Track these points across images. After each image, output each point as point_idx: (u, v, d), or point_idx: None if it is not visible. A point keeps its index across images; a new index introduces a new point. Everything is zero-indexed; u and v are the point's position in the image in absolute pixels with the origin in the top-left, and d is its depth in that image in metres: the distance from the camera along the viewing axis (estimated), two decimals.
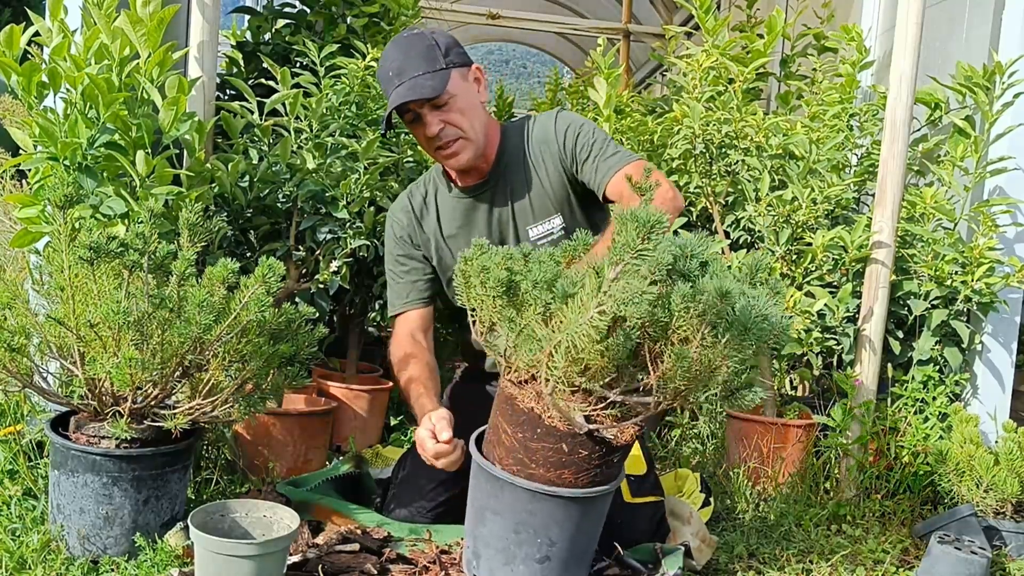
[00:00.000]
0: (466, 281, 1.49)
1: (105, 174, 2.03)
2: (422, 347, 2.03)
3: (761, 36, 3.03)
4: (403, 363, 1.99)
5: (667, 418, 2.94)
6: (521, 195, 2.01)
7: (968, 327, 2.48)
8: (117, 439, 1.63)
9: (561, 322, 1.35)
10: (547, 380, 1.39)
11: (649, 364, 1.38)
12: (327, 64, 2.61)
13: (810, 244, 2.49)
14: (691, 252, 1.40)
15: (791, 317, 2.34)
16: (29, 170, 2.04)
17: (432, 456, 1.72)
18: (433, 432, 1.72)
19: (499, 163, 2.02)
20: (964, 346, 2.48)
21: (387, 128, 1.97)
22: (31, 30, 2.02)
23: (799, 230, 2.54)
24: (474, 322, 1.51)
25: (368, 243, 2.46)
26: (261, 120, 2.46)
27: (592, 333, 1.30)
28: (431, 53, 1.89)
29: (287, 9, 3.03)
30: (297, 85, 2.50)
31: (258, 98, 2.46)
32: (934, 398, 2.34)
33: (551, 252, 1.50)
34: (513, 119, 2.26)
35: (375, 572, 1.64)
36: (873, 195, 2.56)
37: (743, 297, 1.33)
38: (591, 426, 1.42)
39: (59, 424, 1.74)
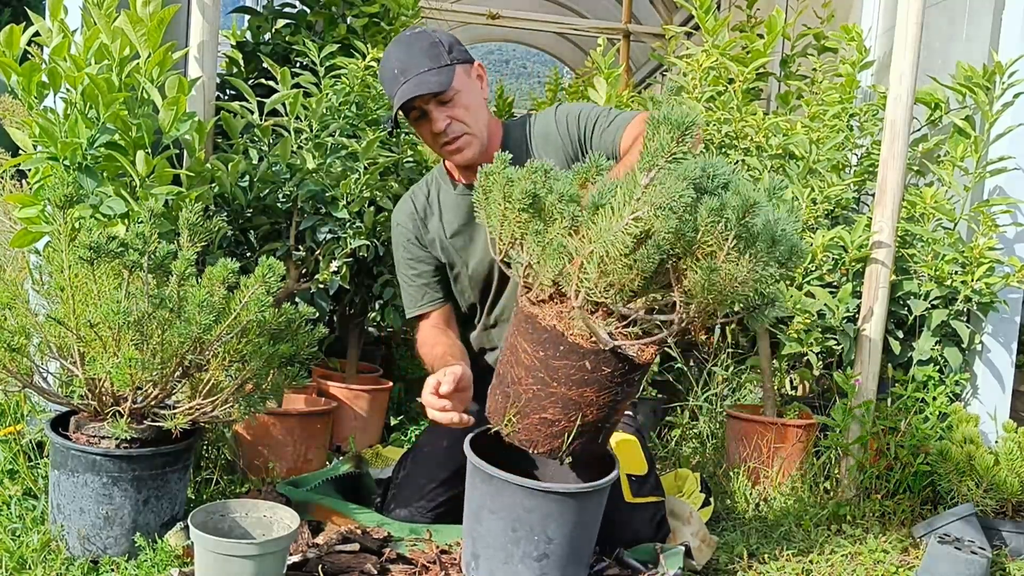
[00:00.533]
0: (487, 196, 1.47)
1: (105, 174, 2.03)
2: (446, 333, 2.04)
3: (761, 36, 3.03)
4: (430, 351, 1.98)
5: (667, 418, 2.94)
6: None
7: (968, 327, 2.48)
8: (117, 439, 1.63)
9: (591, 233, 1.34)
10: (576, 292, 1.38)
11: (673, 281, 1.37)
12: (327, 64, 2.61)
13: (810, 244, 2.49)
14: (714, 172, 1.38)
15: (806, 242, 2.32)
16: (29, 170, 2.04)
17: (424, 400, 1.69)
18: (438, 384, 1.67)
19: None
20: (964, 346, 2.48)
21: (394, 127, 1.97)
22: (31, 30, 2.02)
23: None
24: (493, 241, 1.50)
25: (368, 243, 2.46)
26: (261, 120, 2.46)
27: (627, 240, 1.28)
28: (435, 50, 1.89)
29: (287, 9, 3.03)
30: (297, 85, 2.50)
31: (258, 98, 2.46)
32: (934, 398, 2.33)
33: (567, 174, 1.50)
34: (514, 118, 2.27)
35: (375, 572, 1.64)
36: (873, 195, 2.56)
37: (765, 212, 1.33)
38: (615, 342, 1.41)
39: (59, 424, 1.75)
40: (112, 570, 1.64)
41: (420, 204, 2.09)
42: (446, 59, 1.89)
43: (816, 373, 2.55)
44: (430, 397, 1.67)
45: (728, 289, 1.34)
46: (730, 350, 3.02)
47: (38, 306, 1.77)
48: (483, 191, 1.49)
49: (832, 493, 2.34)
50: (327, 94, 2.52)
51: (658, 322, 1.42)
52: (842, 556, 1.99)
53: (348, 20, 2.98)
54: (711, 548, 1.95)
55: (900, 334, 2.52)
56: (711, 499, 2.24)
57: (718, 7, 5.56)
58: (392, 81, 1.89)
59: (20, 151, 2.10)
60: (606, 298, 1.38)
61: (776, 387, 2.72)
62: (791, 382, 3.10)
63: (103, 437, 1.66)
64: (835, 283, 2.52)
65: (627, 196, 1.30)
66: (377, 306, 2.82)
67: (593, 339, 1.41)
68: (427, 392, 1.67)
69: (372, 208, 2.49)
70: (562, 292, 1.43)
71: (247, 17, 3.08)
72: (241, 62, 2.89)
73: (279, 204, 2.41)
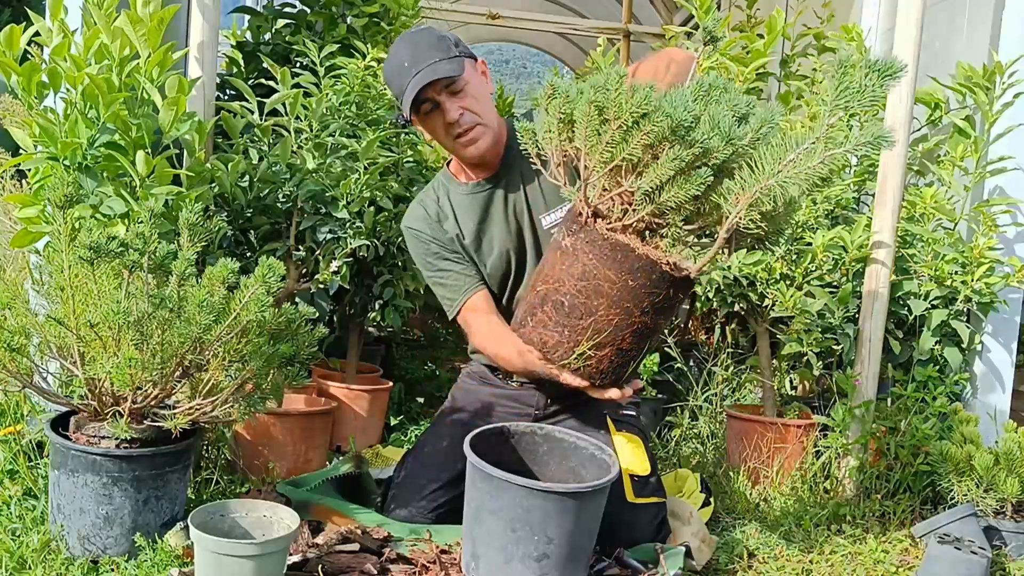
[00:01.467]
0: (587, 116, 1.42)
1: (105, 174, 2.03)
2: (501, 322, 2.00)
3: (761, 36, 3.03)
4: (501, 342, 1.94)
5: (667, 418, 2.94)
6: (532, 185, 2.02)
7: (968, 327, 2.48)
8: (117, 439, 1.63)
9: (762, 169, 1.37)
10: (729, 228, 1.41)
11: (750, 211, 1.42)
12: (327, 64, 2.61)
13: (810, 244, 2.48)
14: (769, 119, 1.45)
15: None
16: (29, 170, 2.04)
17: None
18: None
19: (507, 155, 2.04)
20: (964, 346, 2.48)
21: (406, 123, 1.96)
22: (31, 30, 2.02)
23: (799, 230, 2.54)
24: (555, 164, 1.50)
25: (368, 243, 2.46)
26: (261, 120, 2.46)
27: (814, 179, 1.33)
28: (443, 43, 1.91)
29: (287, 9, 3.03)
30: (297, 85, 2.50)
31: (258, 98, 2.46)
32: (934, 398, 2.33)
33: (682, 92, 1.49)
34: (515, 117, 2.27)
35: (375, 572, 1.64)
36: (873, 195, 2.55)
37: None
38: (696, 267, 1.46)
39: (59, 424, 1.74)
40: (112, 570, 1.64)
41: (432, 209, 2.08)
42: (454, 51, 1.91)
43: (816, 373, 2.55)
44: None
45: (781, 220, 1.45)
46: (730, 350, 3.02)
47: (38, 306, 1.77)
48: (576, 111, 1.45)
49: (832, 493, 2.34)
50: (327, 94, 2.52)
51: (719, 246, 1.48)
52: (842, 556, 1.99)
53: (348, 20, 2.98)
54: (711, 548, 1.95)
55: (900, 334, 2.52)
56: (711, 499, 2.24)
57: (718, 7, 5.57)
58: (402, 74, 1.88)
59: (20, 151, 2.10)
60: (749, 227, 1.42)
61: (776, 387, 2.72)
62: (791, 382, 3.10)
63: (103, 437, 1.66)
64: (835, 283, 2.52)
65: (806, 136, 1.34)
66: (377, 306, 2.82)
67: (676, 266, 1.44)
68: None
69: (372, 208, 2.49)
70: (644, 222, 1.46)
71: (247, 17, 3.09)
72: (241, 62, 2.89)
73: (279, 204, 2.41)
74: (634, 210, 1.47)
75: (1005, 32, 2.60)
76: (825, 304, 2.43)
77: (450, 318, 2.10)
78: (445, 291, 2.07)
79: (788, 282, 2.48)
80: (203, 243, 1.78)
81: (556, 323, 1.52)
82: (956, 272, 2.43)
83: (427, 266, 2.08)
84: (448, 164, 2.15)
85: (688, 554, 1.84)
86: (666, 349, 2.98)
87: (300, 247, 2.43)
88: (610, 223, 1.48)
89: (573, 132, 1.48)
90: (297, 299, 2.33)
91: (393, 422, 2.93)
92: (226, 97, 2.82)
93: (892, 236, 2.38)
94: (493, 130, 1.96)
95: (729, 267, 2.48)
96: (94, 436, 1.67)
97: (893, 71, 1.29)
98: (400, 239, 2.66)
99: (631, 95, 1.39)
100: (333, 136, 2.52)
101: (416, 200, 2.13)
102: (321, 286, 2.41)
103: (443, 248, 2.06)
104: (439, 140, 2.01)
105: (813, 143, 1.34)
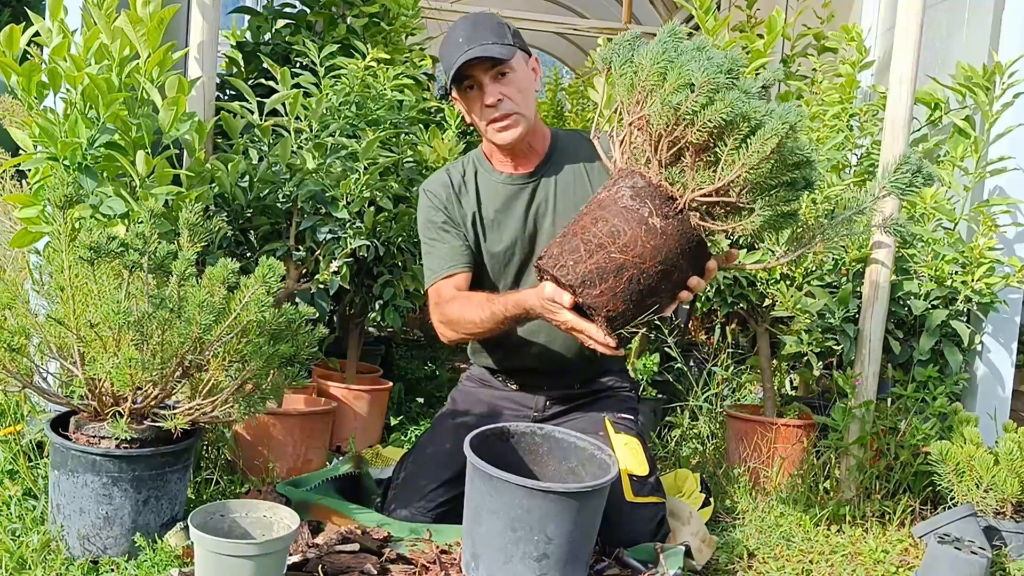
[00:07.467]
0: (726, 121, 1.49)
1: (105, 174, 2.03)
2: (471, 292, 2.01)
3: (761, 36, 3.02)
4: (464, 306, 1.93)
5: (667, 418, 2.94)
6: (567, 198, 2.04)
7: (968, 327, 2.48)
8: (117, 439, 1.63)
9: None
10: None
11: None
12: (327, 64, 2.61)
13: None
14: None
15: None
16: (29, 170, 2.04)
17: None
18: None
19: (549, 160, 2.07)
20: (964, 346, 2.47)
21: (446, 93, 1.98)
22: (31, 30, 2.02)
23: (799, 230, 2.54)
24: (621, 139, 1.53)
25: (368, 243, 2.46)
26: (261, 120, 2.46)
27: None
28: (500, 29, 1.96)
29: (287, 9, 3.03)
30: (297, 85, 2.51)
31: (258, 98, 2.46)
32: (934, 398, 2.33)
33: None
34: (562, 129, 2.29)
35: (375, 572, 1.64)
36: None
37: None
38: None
39: (59, 424, 1.75)
40: (112, 570, 1.64)
41: (456, 180, 2.10)
42: (509, 40, 1.95)
43: (816, 373, 2.55)
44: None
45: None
46: (730, 350, 3.02)
47: (38, 306, 1.77)
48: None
49: (832, 493, 2.34)
50: (327, 94, 2.52)
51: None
52: (842, 556, 1.99)
53: (348, 20, 2.98)
54: (711, 548, 1.95)
55: (900, 334, 2.52)
56: (711, 499, 2.24)
57: (718, 7, 5.56)
58: (455, 48, 1.92)
59: (20, 151, 2.10)
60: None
61: (776, 387, 2.72)
62: (791, 382, 3.10)
63: (103, 437, 1.66)
64: (835, 283, 2.52)
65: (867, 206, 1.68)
66: (377, 306, 2.82)
67: (706, 234, 1.54)
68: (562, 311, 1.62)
69: (372, 208, 2.49)
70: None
71: (247, 17, 3.09)
72: (241, 62, 2.89)
73: (279, 204, 2.41)
74: (719, 212, 1.53)
75: (1005, 32, 2.60)
76: (825, 304, 2.43)
77: (425, 287, 2.12)
78: (431, 260, 2.08)
79: (788, 282, 2.48)
80: (203, 243, 1.78)
81: (627, 296, 1.52)
82: (956, 272, 2.43)
83: (426, 230, 2.10)
84: (482, 145, 2.16)
85: (688, 554, 1.84)
86: (666, 349, 2.98)
87: (300, 247, 2.43)
88: (700, 217, 1.52)
89: (690, 121, 1.51)
90: (297, 299, 2.33)
91: (393, 422, 2.93)
92: (226, 97, 2.82)
93: (892, 236, 2.38)
94: (528, 123, 1.99)
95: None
96: (94, 436, 1.67)
97: (930, 178, 1.61)
98: (400, 239, 2.66)
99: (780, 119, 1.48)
100: (333, 136, 2.52)
101: (443, 168, 2.16)
102: (321, 286, 2.41)
103: (449, 220, 2.08)
104: (474, 119, 2.03)
105: (862, 210, 1.60)
